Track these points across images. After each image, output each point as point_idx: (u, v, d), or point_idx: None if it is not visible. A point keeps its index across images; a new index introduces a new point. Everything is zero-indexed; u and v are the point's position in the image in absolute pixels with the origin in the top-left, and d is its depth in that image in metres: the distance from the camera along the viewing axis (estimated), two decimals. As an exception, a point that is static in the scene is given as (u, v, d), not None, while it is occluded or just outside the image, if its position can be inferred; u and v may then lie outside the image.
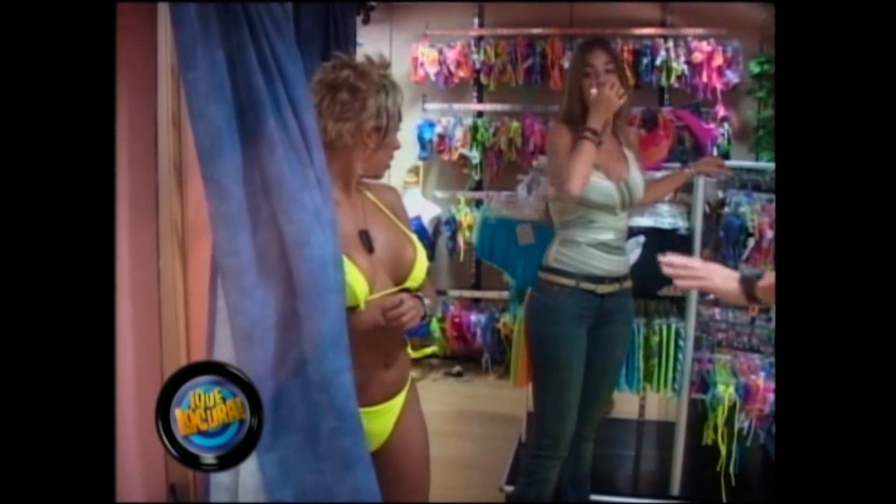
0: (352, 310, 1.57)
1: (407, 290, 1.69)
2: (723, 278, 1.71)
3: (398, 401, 1.74)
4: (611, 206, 2.27)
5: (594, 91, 2.19)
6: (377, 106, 1.60)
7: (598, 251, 2.29)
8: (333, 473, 1.48)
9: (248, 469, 1.48)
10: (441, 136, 4.49)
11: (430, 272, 1.77)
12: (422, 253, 1.74)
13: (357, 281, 1.57)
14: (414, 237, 1.76)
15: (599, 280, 2.29)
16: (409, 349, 1.82)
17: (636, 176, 2.33)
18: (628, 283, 2.38)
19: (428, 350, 4.50)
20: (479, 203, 4.48)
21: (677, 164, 3.10)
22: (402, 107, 1.67)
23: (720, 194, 2.90)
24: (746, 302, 1.74)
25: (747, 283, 1.66)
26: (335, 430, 1.47)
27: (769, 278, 1.65)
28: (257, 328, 1.46)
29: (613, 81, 2.20)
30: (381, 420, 1.71)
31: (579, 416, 2.37)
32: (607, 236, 2.29)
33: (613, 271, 2.31)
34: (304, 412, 1.46)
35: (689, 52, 4.12)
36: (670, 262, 1.71)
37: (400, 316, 1.56)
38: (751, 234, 2.70)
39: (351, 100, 1.58)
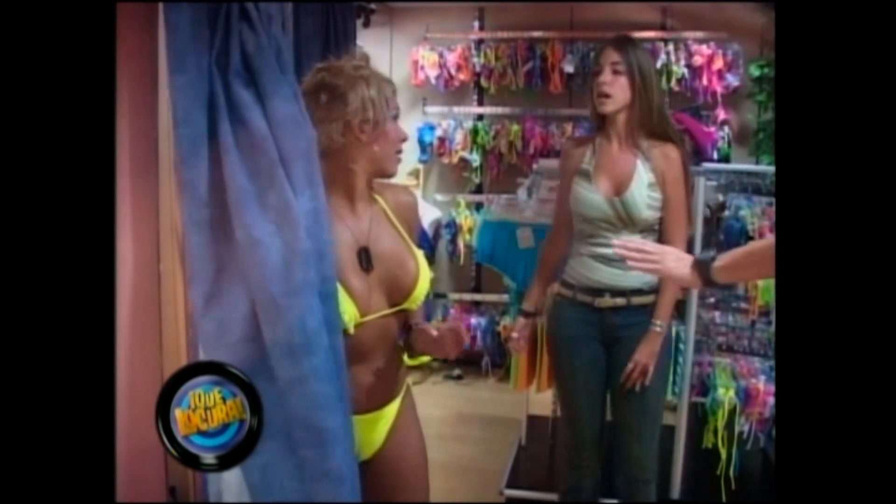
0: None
1: (403, 311, 1.68)
2: (676, 263, 1.63)
3: (391, 409, 1.72)
4: (602, 220, 2.12)
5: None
6: (360, 98, 1.52)
7: (597, 262, 2.15)
8: (309, 484, 1.45)
9: (234, 470, 1.46)
10: (441, 140, 4.49)
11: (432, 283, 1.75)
12: (425, 273, 1.67)
13: (346, 308, 1.53)
14: (420, 255, 1.69)
15: (597, 293, 2.15)
16: (405, 357, 1.79)
17: (637, 193, 2.09)
18: (645, 299, 2.15)
19: (425, 358, 4.48)
20: (479, 206, 4.49)
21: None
22: (403, 110, 1.62)
23: (720, 197, 2.91)
24: (702, 286, 1.65)
25: (701, 267, 1.59)
26: (298, 440, 1.43)
27: (725, 259, 1.58)
28: (224, 333, 1.43)
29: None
30: (372, 428, 1.69)
31: (618, 455, 2.29)
32: (608, 251, 2.06)
33: (617, 285, 2.13)
34: (280, 419, 1.42)
35: (690, 55, 4.12)
36: (623, 244, 1.67)
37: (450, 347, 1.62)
38: (751, 238, 2.70)
39: (330, 99, 1.52)
